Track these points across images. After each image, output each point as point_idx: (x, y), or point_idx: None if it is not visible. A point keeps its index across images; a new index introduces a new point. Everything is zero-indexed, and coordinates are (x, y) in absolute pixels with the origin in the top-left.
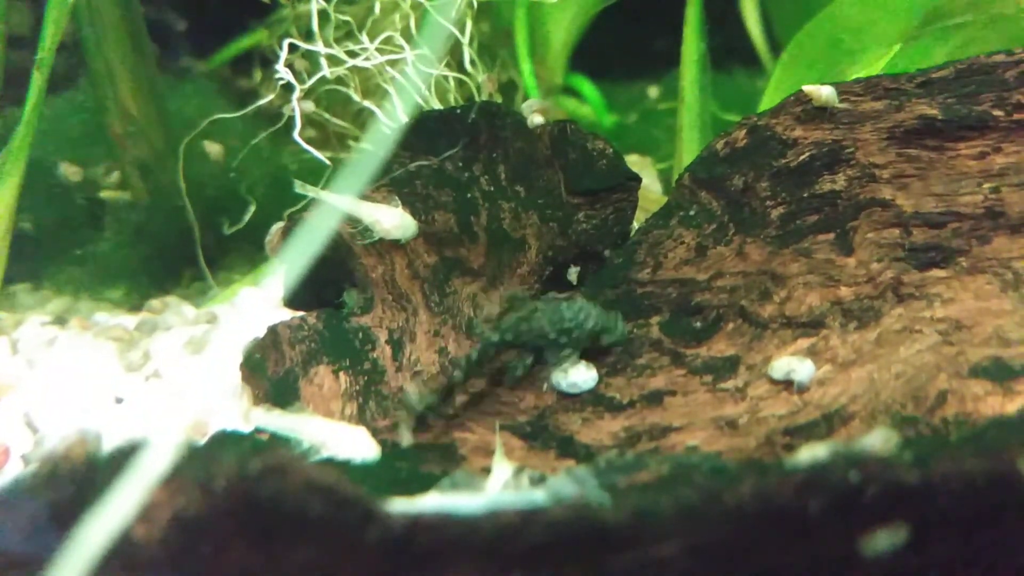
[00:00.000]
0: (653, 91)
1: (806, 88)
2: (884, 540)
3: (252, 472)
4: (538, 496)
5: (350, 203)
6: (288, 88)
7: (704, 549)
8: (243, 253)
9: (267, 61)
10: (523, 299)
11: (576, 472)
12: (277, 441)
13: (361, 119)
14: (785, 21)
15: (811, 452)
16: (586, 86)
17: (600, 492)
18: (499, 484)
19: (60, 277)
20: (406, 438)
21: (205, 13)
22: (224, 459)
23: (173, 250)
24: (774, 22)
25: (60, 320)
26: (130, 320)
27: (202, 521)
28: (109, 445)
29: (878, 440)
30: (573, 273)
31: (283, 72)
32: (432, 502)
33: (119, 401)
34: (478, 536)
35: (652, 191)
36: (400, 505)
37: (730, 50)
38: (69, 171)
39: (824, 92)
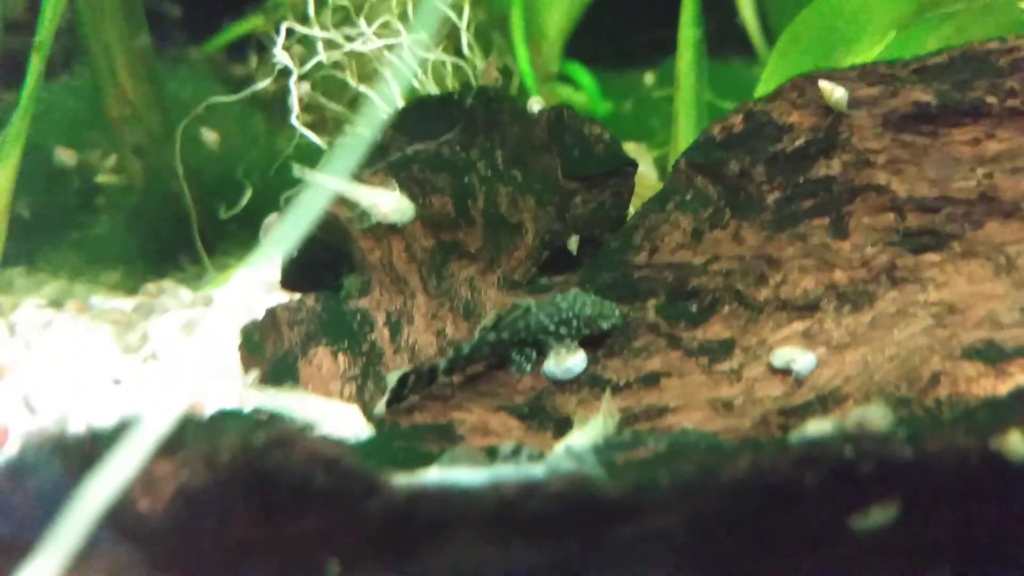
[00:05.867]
0: (649, 78)
1: (822, 83)
2: (876, 516)
3: (257, 444)
4: (537, 470)
5: (348, 187)
6: (285, 73)
7: (700, 522)
8: (239, 238)
9: (263, 47)
10: (515, 304)
11: (575, 449)
12: (274, 417)
13: (358, 104)
14: (779, 8)
15: (808, 428)
16: (582, 73)
17: (598, 468)
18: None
19: (55, 261)
20: (378, 408)
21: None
22: (229, 432)
23: (169, 234)
24: (768, 10)
25: (56, 303)
26: (127, 303)
27: (207, 494)
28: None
29: (873, 416)
30: (573, 242)
31: (280, 56)
32: (434, 475)
33: (117, 383)
34: (479, 508)
35: (648, 178)
36: (403, 478)
37: (725, 38)
38: (65, 155)
39: (837, 93)
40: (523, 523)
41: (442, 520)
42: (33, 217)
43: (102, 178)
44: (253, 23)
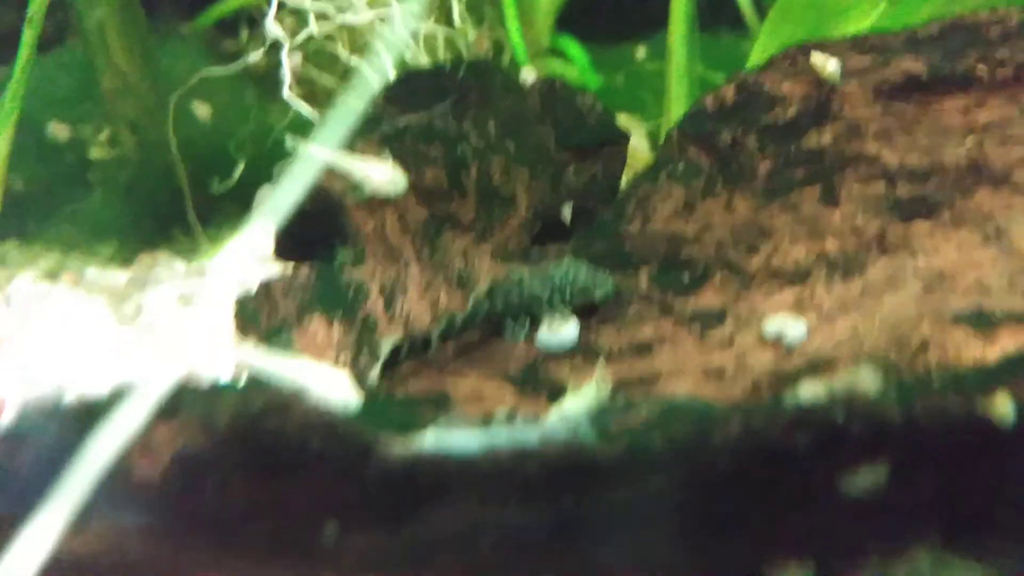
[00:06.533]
0: (641, 52)
1: (814, 56)
2: (865, 478)
3: (254, 409)
4: (531, 435)
5: (340, 158)
6: (277, 46)
7: (692, 484)
8: (232, 211)
9: (254, 21)
10: (508, 274)
11: (568, 415)
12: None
13: (349, 76)
14: None
15: (800, 391)
16: (573, 47)
17: (591, 432)
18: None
19: (49, 234)
20: (372, 376)
21: None
22: (225, 398)
23: (163, 207)
24: None
25: (51, 276)
26: (121, 276)
27: (204, 458)
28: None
29: (863, 379)
30: (566, 211)
31: (271, 28)
32: (430, 440)
33: (113, 353)
34: (474, 473)
35: (640, 150)
36: (399, 443)
37: (715, 10)
38: (57, 129)
39: (830, 66)
40: (518, 487)
41: (438, 485)
42: (26, 191)
43: (95, 152)
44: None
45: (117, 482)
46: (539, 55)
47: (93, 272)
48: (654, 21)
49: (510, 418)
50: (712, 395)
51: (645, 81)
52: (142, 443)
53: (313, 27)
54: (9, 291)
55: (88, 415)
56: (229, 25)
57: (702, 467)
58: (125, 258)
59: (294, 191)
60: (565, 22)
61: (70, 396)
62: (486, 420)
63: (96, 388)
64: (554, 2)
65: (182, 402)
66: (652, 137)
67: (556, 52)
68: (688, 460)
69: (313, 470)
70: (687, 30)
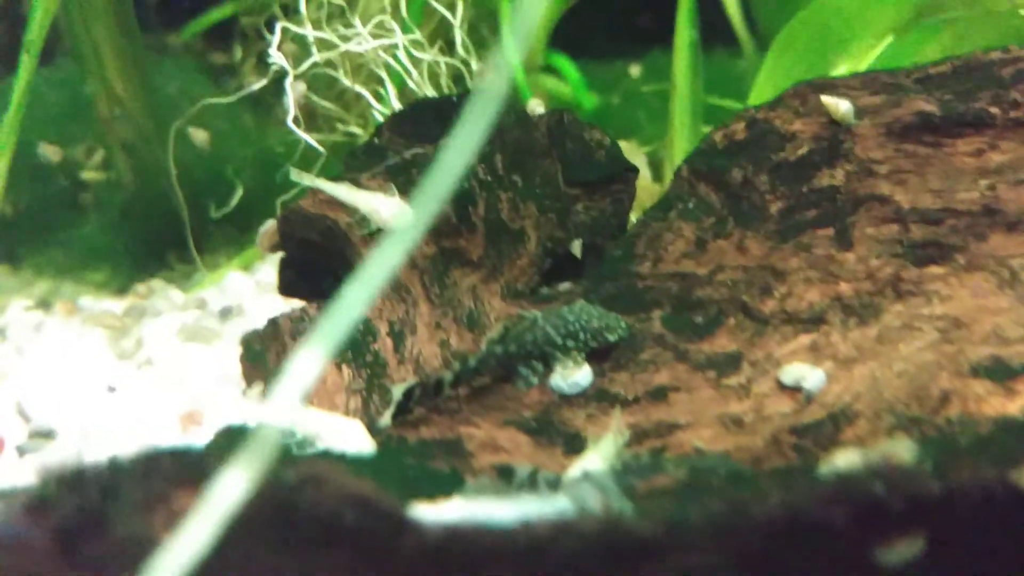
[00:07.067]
0: (635, 70)
1: (824, 99)
2: (903, 550)
3: (288, 481)
4: (565, 504)
5: (346, 192)
6: (280, 73)
7: (730, 557)
8: (226, 235)
9: (246, 36)
10: (521, 316)
11: (596, 477)
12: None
13: (345, 99)
14: (763, 1)
15: (838, 461)
16: (566, 65)
17: (623, 499)
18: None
19: (39, 259)
20: (384, 421)
21: None
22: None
23: (157, 232)
24: (751, 1)
25: (44, 304)
26: (117, 305)
27: (233, 528)
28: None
29: (899, 449)
30: (576, 246)
31: (276, 57)
32: (463, 510)
33: (112, 390)
34: (511, 548)
35: (642, 178)
36: (432, 513)
37: (709, 30)
38: (49, 151)
39: (843, 107)
40: (555, 563)
41: (473, 560)
42: (16, 215)
43: (88, 174)
44: (229, 10)
45: (138, 549)
46: (533, 72)
47: (88, 300)
48: (647, 38)
49: (532, 478)
50: (732, 447)
51: (641, 101)
52: (163, 509)
53: (316, 56)
54: (3, 321)
55: (112, 480)
56: (218, 36)
57: (740, 540)
58: (119, 285)
59: (347, 317)
60: (558, 39)
61: (87, 454)
62: (507, 476)
63: (97, 428)
64: (547, 19)
65: (207, 466)
66: (652, 161)
67: (550, 70)
68: (726, 534)
69: (346, 543)
70: (691, 58)
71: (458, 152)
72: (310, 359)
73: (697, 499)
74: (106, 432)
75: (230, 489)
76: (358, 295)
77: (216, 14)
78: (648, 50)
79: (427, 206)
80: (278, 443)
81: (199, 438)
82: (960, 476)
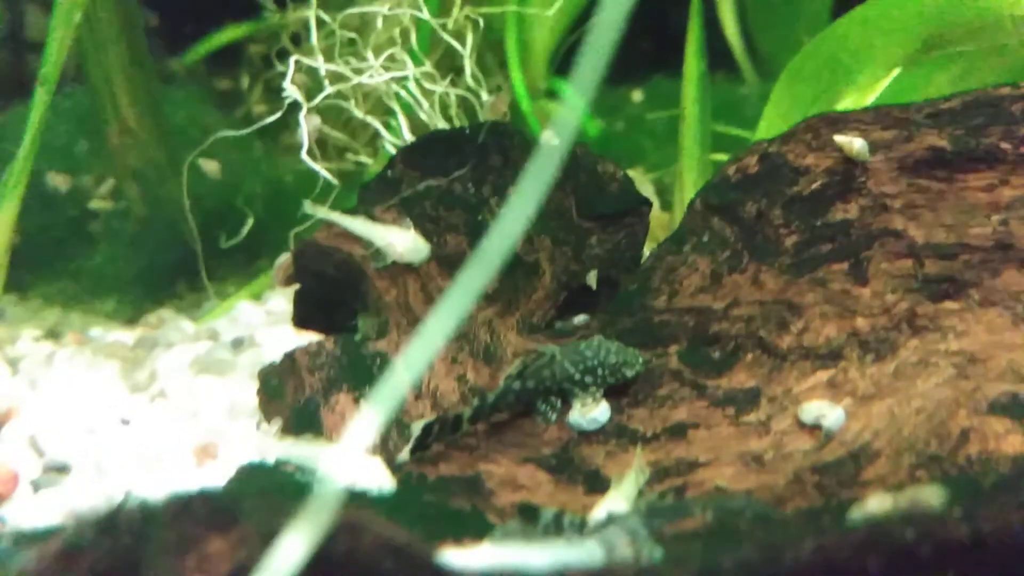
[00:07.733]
0: (637, 95)
1: (837, 138)
2: None
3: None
4: (595, 550)
5: (362, 225)
6: (294, 105)
7: None
8: (236, 264)
9: (252, 62)
10: (539, 351)
11: (624, 520)
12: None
13: (352, 126)
14: (761, 27)
15: (868, 506)
16: (569, 91)
17: (653, 545)
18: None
19: (48, 288)
20: (402, 457)
21: (177, 10)
22: (287, 511)
23: (167, 261)
24: (751, 27)
25: (53, 334)
26: (127, 336)
27: None
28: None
29: (928, 495)
30: (592, 277)
31: (290, 90)
32: (494, 557)
33: (125, 423)
34: None
35: None
36: (463, 560)
37: (709, 56)
38: (58, 180)
39: (857, 145)
40: None
41: None
42: (24, 243)
43: (97, 203)
44: (232, 34)
45: None
46: (536, 97)
47: (98, 331)
48: (648, 64)
49: (558, 520)
50: (754, 485)
51: (644, 127)
52: (195, 553)
53: (328, 88)
54: (14, 353)
55: (143, 524)
56: (220, 63)
57: None
58: (128, 314)
59: (402, 384)
60: (561, 65)
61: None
62: (532, 517)
63: (111, 462)
64: (549, 45)
65: (238, 511)
66: (658, 189)
67: (553, 94)
68: None
69: None
70: (700, 88)
71: (521, 206)
72: (370, 420)
73: (728, 545)
74: (121, 466)
75: (289, 554)
76: (421, 353)
77: (219, 38)
78: (650, 75)
79: (487, 263)
80: (335, 506)
81: (215, 471)
82: (987, 520)
